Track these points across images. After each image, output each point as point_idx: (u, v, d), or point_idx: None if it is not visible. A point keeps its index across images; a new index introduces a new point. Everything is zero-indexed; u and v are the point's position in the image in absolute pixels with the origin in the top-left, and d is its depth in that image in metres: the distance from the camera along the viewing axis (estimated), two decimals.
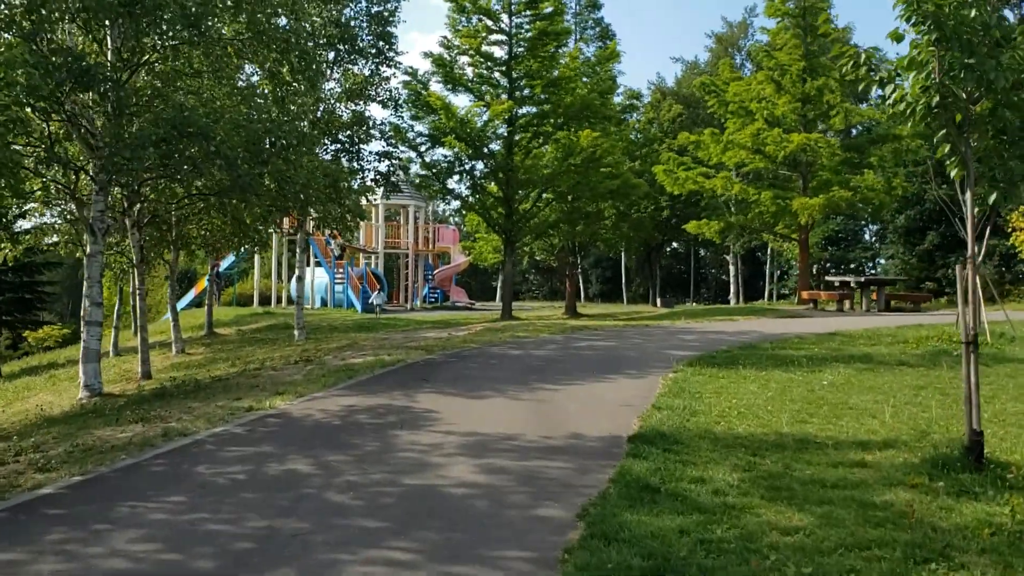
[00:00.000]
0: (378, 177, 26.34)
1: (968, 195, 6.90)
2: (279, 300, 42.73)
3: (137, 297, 20.44)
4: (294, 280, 42.73)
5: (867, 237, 58.60)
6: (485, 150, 25.61)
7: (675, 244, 60.81)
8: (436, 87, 25.27)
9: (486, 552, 5.27)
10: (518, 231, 25.43)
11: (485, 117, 24.77)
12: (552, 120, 25.29)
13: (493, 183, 26.98)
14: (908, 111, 6.73)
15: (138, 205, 19.62)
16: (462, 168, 26.05)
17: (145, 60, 15.37)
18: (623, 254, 49.73)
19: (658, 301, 42.38)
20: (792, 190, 30.48)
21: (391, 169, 26.32)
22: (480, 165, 26.26)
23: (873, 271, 53.77)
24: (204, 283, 44.83)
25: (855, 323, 20.99)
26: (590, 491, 6.46)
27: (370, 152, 26.15)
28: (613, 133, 26.27)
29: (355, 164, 26.25)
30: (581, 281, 49.35)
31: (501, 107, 23.58)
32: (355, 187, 25.45)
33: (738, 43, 60.85)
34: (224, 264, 43.96)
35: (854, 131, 36.55)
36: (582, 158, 24.19)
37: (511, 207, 25.61)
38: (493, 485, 6.73)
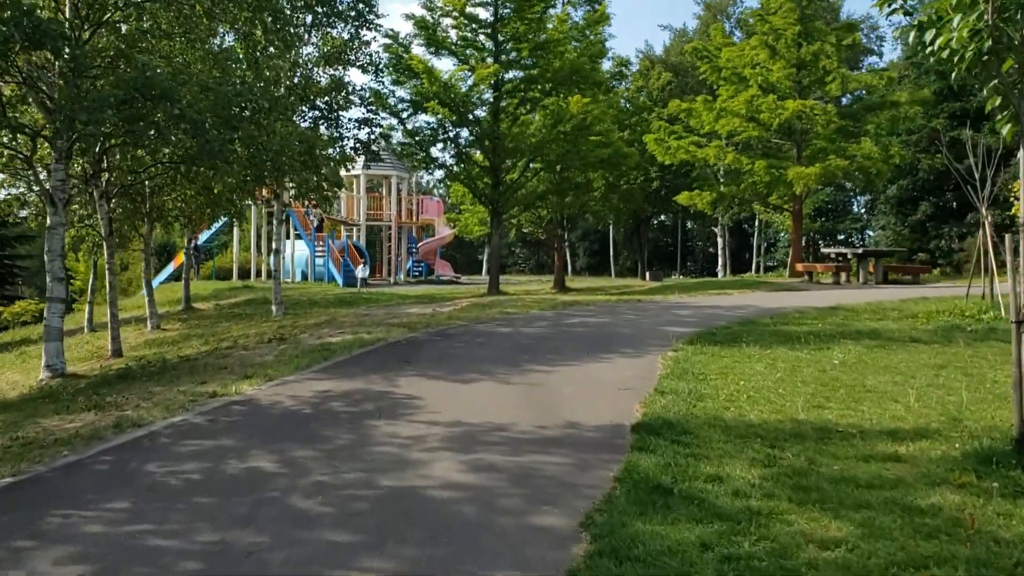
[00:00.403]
0: (358, 145, 25.39)
1: (1022, 152, 6.07)
2: (259, 273, 41.74)
3: (108, 272, 19.41)
4: (272, 253, 41.89)
5: (856, 208, 58.01)
6: (470, 117, 24.61)
7: (662, 216, 59.98)
8: (418, 51, 24.26)
9: (476, 572, 4.47)
10: (505, 202, 24.51)
11: (470, 82, 23.73)
12: (540, 85, 24.30)
13: (479, 152, 26.01)
14: (955, 59, 5.87)
15: (105, 175, 18.65)
16: (446, 136, 25.06)
17: (107, 19, 14.35)
18: (611, 227, 48.86)
19: (647, 274, 41.59)
20: (786, 159, 29.66)
21: (372, 137, 25.34)
22: (465, 133, 25.27)
23: (862, 243, 53.18)
24: (182, 256, 43.85)
25: (855, 296, 20.27)
26: (593, 492, 5.66)
27: (350, 119, 25.15)
28: (603, 101, 25.30)
29: (334, 132, 25.35)
30: (568, 255, 48.45)
31: (487, 71, 22.56)
32: (334, 155, 24.51)
33: (727, 10, 59.72)
34: (203, 237, 42.90)
35: (845, 100, 35.68)
36: (572, 125, 23.23)
37: (498, 177, 24.67)
38: (482, 486, 5.91)
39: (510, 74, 24.67)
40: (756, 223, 57.44)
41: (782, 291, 23.20)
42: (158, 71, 12.47)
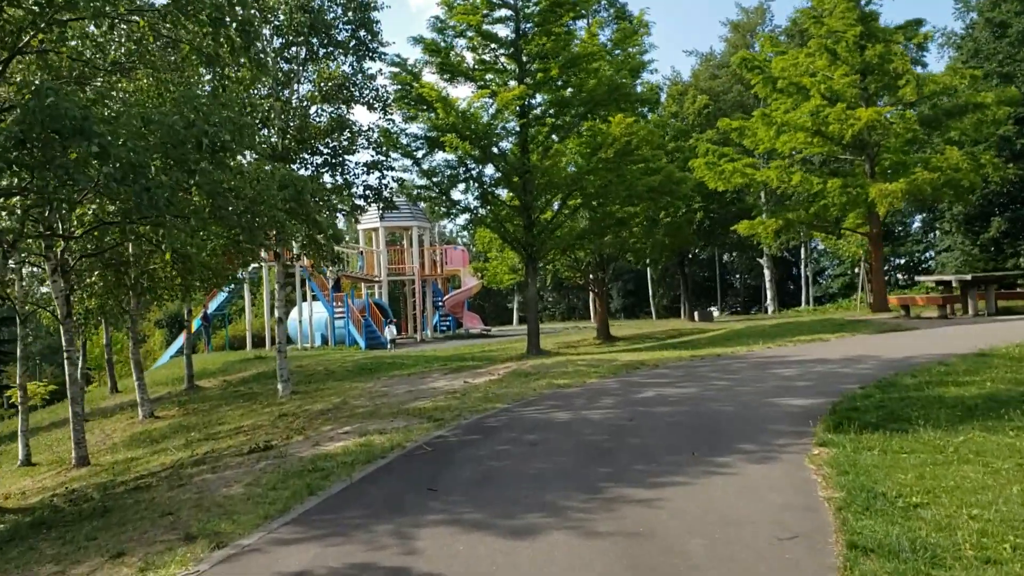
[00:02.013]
0: (368, 192, 22.02)
1: None
2: (274, 341, 38.28)
3: (67, 363, 15.94)
4: (292, 317, 38.46)
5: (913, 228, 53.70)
6: (494, 150, 21.05)
7: (698, 250, 56.06)
8: (431, 78, 20.82)
9: None
10: (541, 246, 20.83)
11: (492, 110, 20.20)
12: (574, 108, 20.75)
13: (507, 190, 22.46)
14: None
15: (61, 245, 15.28)
16: (468, 175, 21.52)
17: (24, 45, 11.00)
18: (648, 265, 45.05)
19: (695, 314, 37.69)
20: (857, 176, 25.80)
21: (383, 182, 21.92)
22: (490, 170, 21.71)
23: (927, 267, 48.85)
24: (194, 327, 40.59)
25: (988, 334, 16.30)
26: None
27: (357, 164, 21.69)
28: (647, 121, 21.71)
29: (338, 179, 22.04)
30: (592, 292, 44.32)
31: (511, 94, 19.01)
32: (336, 203, 21.10)
33: (756, 29, 56.32)
34: (213, 305, 39.68)
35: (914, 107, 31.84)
36: (615, 150, 19.59)
37: (531, 217, 21.02)
38: None
39: (538, 98, 21.16)
40: (802, 252, 53.48)
41: (887, 332, 19.22)
42: (69, 96, 8.99)
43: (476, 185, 21.73)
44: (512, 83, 20.14)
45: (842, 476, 6.96)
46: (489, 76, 20.94)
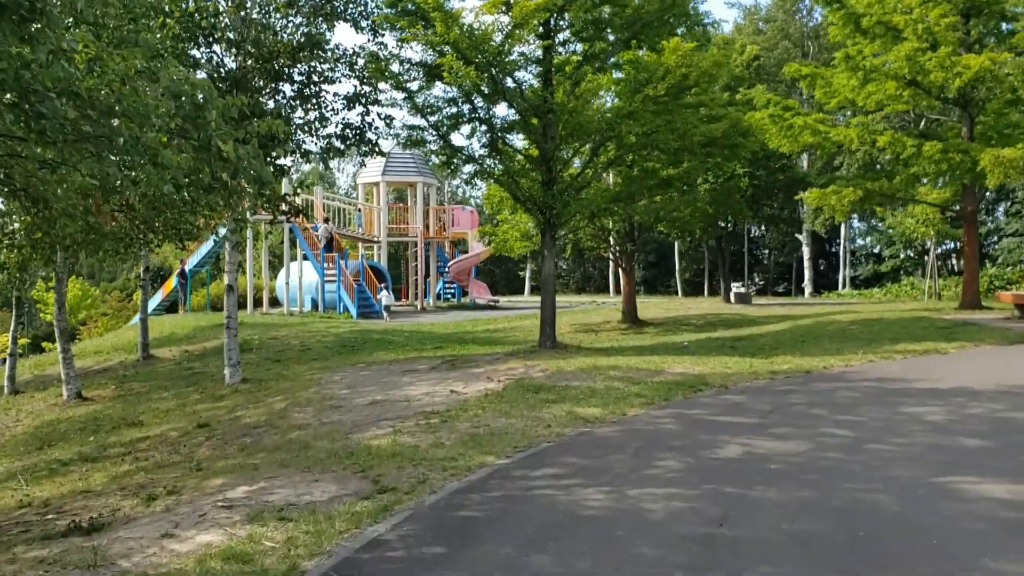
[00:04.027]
0: (347, 132, 17.45)
1: None
2: (258, 304, 33.84)
3: None
4: (280, 278, 33.96)
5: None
6: (508, 82, 16.27)
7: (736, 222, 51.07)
8: None
9: None
10: (562, 208, 16.13)
11: (507, 28, 15.34)
12: (613, 32, 15.92)
13: (522, 135, 17.70)
14: None
15: None
16: (474, 115, 16.76)
17: None
18: (677, 237, 40.18)
19: (731, 294, 32.96)
20: (952, 138, 20.89)
21: (366, 120, 17.30)
22: (502, 110, 16.94)
23: (988, 253, 43.76)
24: (172, 283, 36.29)
25: None
26: None
27: (336, 96, 17.05)
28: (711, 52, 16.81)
29: (311, 114, 17.50)
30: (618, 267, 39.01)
31: (531, 4, 14.20)
32: (304, 144, 16.64)
33: None
34: (192, 260, 35.36)
35: None
36: (666, 86, 14.77)
37: (551, 171, 16.28)
38: None
39: (566, 17, 16.27)
40: (842, 228, 48.49)
41: (1020, 344, 14.47)
42: None
43: (484, 128, 16.97)
44: None
45: None
46: None
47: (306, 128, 17.07)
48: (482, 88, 15.90)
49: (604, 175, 19.78)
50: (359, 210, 34.72)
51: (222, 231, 29.81)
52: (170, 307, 36.39)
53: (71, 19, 6.66)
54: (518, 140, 18.75)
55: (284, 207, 17.47)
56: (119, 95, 7.22)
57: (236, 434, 10.70)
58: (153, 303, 36.63)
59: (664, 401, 9.89)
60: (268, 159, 12.86)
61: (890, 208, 29.60)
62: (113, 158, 7.25)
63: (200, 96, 8.12)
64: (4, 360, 34.81)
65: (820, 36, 48.35)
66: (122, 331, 32.62)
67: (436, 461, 7.48)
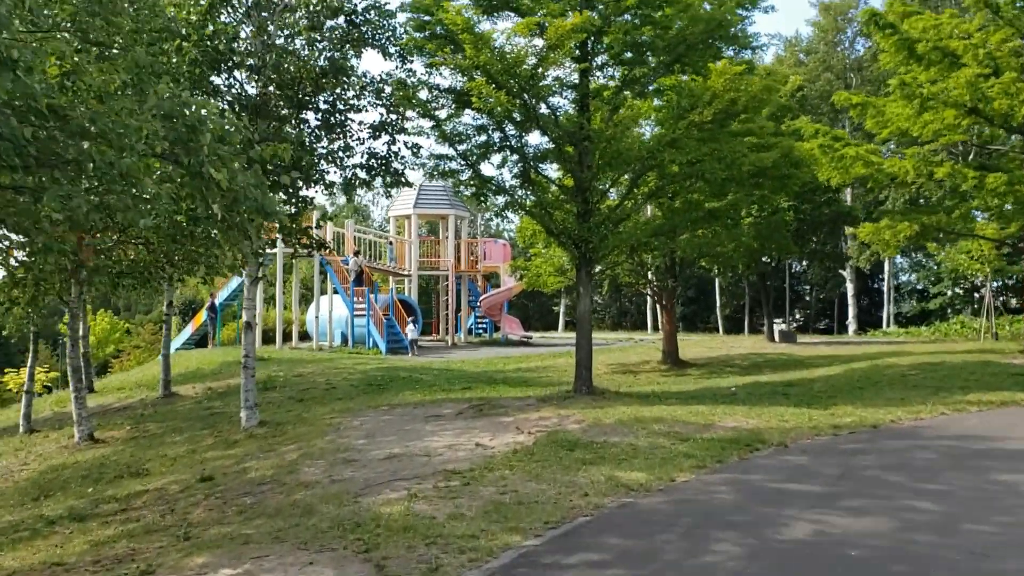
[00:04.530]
0: (373, 162, 16.63)
1: None
2: (286, 338, 33.00)
3: None
4: (310, 312, 33.12)
5: None
6: (543, 108, 15.29)
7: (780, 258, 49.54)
8: (462, 1, 15.02)
9: None
10: (599, 243, 15.03)
11: (541, 51, 14.36)
12: (655, 56, 14.90)
13: (556, 165, 16.70)
14: None
15: None
16: (505, 143, 15.79)
17: None
18: (719, 272, 38.86)
19: (775, 332, 31.55)
20: (1015, 170, 19.53)
21: (391, 150, 16.46)
22: (535, 138, 15.96)
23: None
24: (202, 317, 35.68)
25: None
26: None
27: (361, 124, 16.23)
28: (759, 76, 15.71)
29: (337, 143, 16.73)
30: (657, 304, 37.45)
31: (568, 25, 13.21)
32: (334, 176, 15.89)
33: (848, 13, 49.67)
34: (223, 294, 34.77)
35: None
36: (713, 111, 13.68)
37: (587, 203, 15.22)
38: None
39: (604, 40, 15.28)
40: (886, 264, 46.79)
41: None
42: None
43: (515, 158, 15.99)
44: (571, 15, 14.28)
45: None
46: (540, 12, 15.12)
47: (330, 158, 16.30)
48: (514, 115, 14.95)
49: (643, 207, 18.66)
50: (391, 243, 34.03)
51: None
52: (200, 341, 35.78)
53: (17, 23, 5.73)
54: (552, 170, 17.74)
55: (306, 240, 16.68)
56: (93, 114, 6.29)
57: (239, 491, 9.68)
58: (183, 337, 36.14)
59: (717, 463, 8.68)
60: (278, 183, 11.93)
61: (943, 243, 28.16)
62: (84, 186, 6.33)
63: (194, 116, 7.19)
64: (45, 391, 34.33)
65: (863, 68, 47.16)
66: (148, 366, 32.10)
67: (453, 539, 6.37)
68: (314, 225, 15.87)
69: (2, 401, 34.39)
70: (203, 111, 7.25)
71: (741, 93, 13.84)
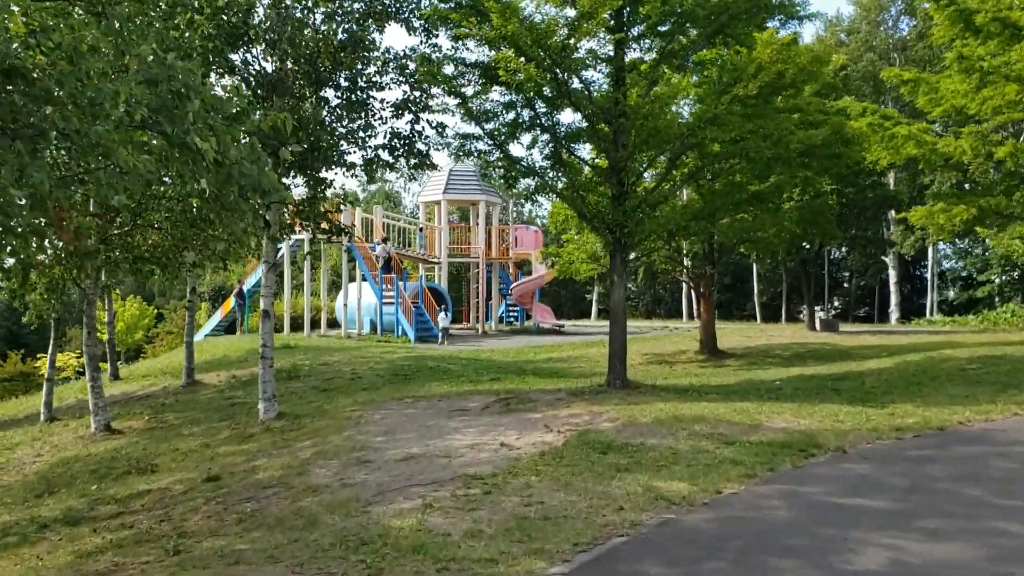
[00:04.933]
0: (396, 142, 15.80)
1: None
2: (315, 325, 32.37)
3: None
4: (339, 299, 32.51)
5: None
6: (575, 83, 14.36)
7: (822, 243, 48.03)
8: None
9: None
10: (635, 227, 14.10)
11: (573, 21, 13.42)
12: (695, 27, 13.89)
13: (589, 144, 15.77)
14: None
15: None
16: (535, 121, 14.88)
17: None
18: (757, 259, 37.62)
19: (816, 320, 30.39)
20: None
21: (415, 129, 15.61)
22: (567, 116, 15.01)
23: None
24: (231, 304, 35.27)
25: None
26: None
27: (383, 103, 15.40)
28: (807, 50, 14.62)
29: (358, 122, 15.92)
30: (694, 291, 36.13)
31: None
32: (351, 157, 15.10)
33: None
34: (251, 281, 34.36)
35: None
36: (759, 85, 12.67)
37: (622, 185, 14.29)
38: None
39: (641, 10, 14.28)
40: (930, 250, 45.17)
41: None
42: None
43: (546, 137, 15.08)
44: None
45: None
46: None
47: (351, 138, 15.50)
48: (544, 90, 14.03)
49: (681, 190, 17.66)
50: (420, 230, 33.30)
51: (283, 250, 28.77)
52: (229, 327, 35.45)
53: None
54: (584, 151, 16.78)
55: (325, 225, 15.92)
56: (60, 76, 5.50)
57: (243, 495, 8.95)
58: (212, 323, 35.87)
59: (768, 471, 7.75)
60: (277, 157, 11.14)
61: (995, 228, 26.81)
62: (47, 157, 5.55)
63: (180, 82, 6.37)
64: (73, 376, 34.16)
65: (907, 48, 45.48)
66: (175, 352, 31.82)
67: (468, 564, 5.54)
68: (335, 209, 15.05)
69: (36, 386, 34.31)
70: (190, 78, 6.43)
71: (789, 64, 12.79)
